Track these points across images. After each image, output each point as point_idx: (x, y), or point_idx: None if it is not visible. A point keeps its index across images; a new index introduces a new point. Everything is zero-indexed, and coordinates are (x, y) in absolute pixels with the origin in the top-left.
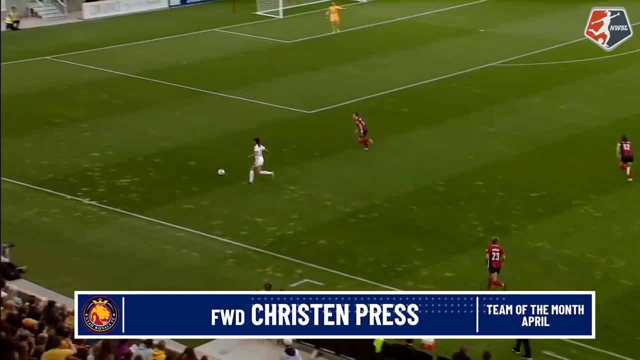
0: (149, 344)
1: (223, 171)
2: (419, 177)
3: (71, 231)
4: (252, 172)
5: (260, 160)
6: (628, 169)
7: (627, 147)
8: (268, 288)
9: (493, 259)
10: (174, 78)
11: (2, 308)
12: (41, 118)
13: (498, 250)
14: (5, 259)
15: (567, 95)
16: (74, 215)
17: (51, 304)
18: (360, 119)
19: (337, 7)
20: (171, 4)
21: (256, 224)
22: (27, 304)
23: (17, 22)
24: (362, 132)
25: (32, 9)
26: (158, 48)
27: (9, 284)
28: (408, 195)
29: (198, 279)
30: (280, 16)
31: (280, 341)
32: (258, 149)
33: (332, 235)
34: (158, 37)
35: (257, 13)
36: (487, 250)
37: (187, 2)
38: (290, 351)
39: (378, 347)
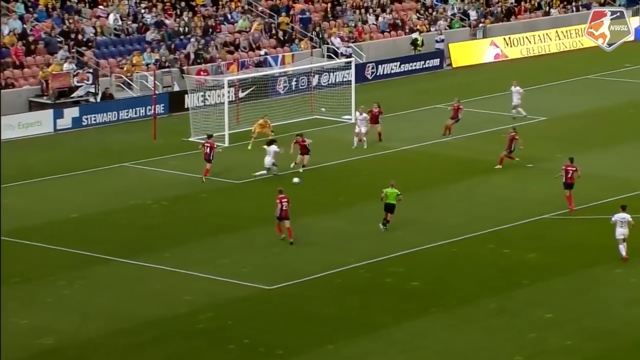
0: None
1: (298, 179)
2: None
3: None
4: None
5: None
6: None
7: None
8: None
9: (569, 176)
10: (60, 239)
11: None
12: None
13: (574, 168)
14: None
15: None
16: None
17: None
18: None
19: (267, 121)
20: (58, 127)
21: None
22: None
23: None
24: None
25: None
26: (36, 193)
27: None
28: None
29: None
30: (225, 144)
31: None
32: None
33: None
34: (37, 177)
35: (189, 139)
36: (562, 167)
37: (83, 124)
38: None
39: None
